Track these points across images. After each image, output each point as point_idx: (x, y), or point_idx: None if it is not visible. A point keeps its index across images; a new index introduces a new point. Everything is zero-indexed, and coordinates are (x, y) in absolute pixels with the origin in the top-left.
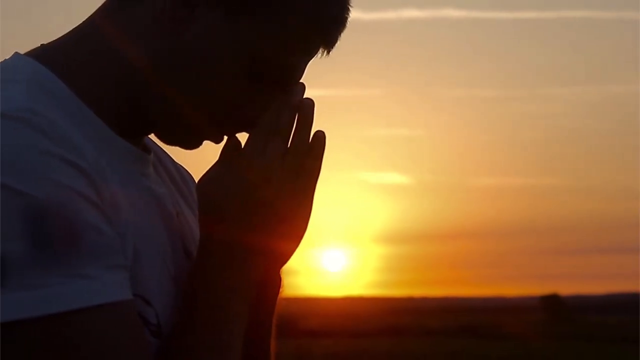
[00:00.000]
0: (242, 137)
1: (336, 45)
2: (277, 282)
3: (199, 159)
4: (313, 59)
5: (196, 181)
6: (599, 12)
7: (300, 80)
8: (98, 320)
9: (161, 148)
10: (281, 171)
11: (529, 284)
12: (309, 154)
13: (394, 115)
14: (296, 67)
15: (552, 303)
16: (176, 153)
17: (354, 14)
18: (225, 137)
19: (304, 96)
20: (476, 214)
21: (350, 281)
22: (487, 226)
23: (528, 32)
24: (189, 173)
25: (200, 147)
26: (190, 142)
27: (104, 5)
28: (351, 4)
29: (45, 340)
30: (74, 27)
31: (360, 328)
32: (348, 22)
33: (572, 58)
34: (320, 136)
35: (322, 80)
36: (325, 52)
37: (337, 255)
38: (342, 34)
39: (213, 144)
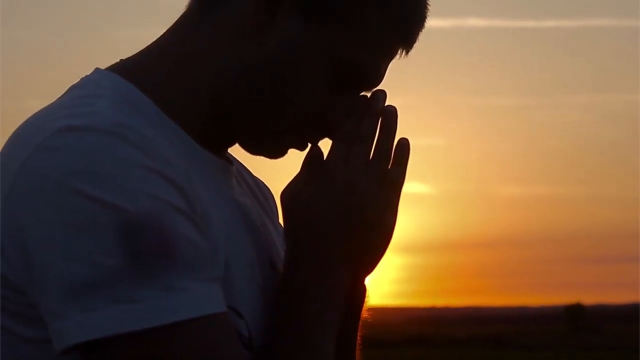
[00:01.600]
0: (325, 145)
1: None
2: (362, 291)
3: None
4: (393, 60)
5: (276, 193)
6: (620, 21)
7: (381, 88)
8: (195, 334)
9: (239, 162)
10: (365, 179)
11: (552, 294)
12: (393, 161)
13: (414, 124)
14: (377, 70)
15: (576, 312)
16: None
17: None
18: (309, 146)
19: (386, 103)
20: (498, 222)
21: (372, 291)
22: (509, 235)
23: (549, 41)
24: (267, 186)
25: (281, 158)
26: (275, 151)
27: (183, 16)
28: (429, 4)
29: (143, 355)
30: (152, 42)
31: (383, 338)
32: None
33: (593, 66)
34: (405, 144)
35: None
36: (404, 52)
37: None
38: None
39: (293, 155)
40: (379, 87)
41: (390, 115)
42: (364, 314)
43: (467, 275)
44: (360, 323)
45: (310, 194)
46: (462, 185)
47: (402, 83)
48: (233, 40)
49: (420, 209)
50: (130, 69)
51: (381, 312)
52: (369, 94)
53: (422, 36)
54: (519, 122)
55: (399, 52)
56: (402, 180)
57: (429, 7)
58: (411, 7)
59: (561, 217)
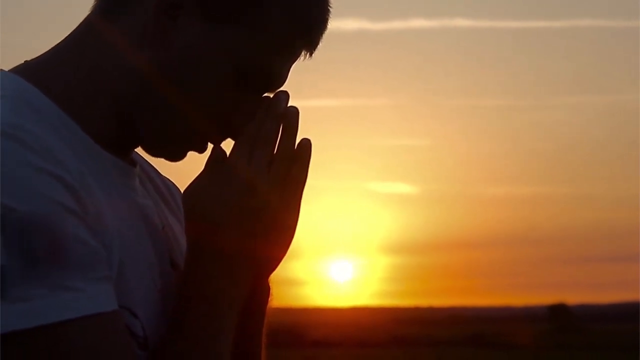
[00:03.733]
0: (227, 146)
1: (318, 47)
2: (265, 290)
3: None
4: (297, 62)
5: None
6: (605, 21)
7: (284, 88)
8: (84, 332)
9: (147, 161)
10: (267, 179)
11: (536, 294)
12: (295, 161)
13: (400, 125)
14: (280, 71)
15: (559, 312)
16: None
17: (361, 24)
18: (210, 147)
19: (289, 104)
20: (482, 223)
21: (357, 291)
22: (493, 235)
23: (534, 41)
24: (175, 185)
25: (185, 159)
26: (176, 153)
27: (86, 20)
28: (331, 5)
29: (31, 353)
30: (56, 43)
31: (367, 338)
32: (329, 24)
33: (578, 67)
34: (306, 144)
35: (329, 91)
36: (308, 54)
37: (344, 266)
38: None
39: (197, 155)
40: (281, 89)
41: (292, 116)
42: (268, 314)
43: (451, 275)
44: (264, 323)
45: (212, 194)
46: (447, 186)
47: (387, 83)
48: (135, 43)
49: (405, 209)
50: (33, 71)
51: (366, 312)
52: (272, 95)
53: (409, 36)
54: (504, 123)
55: (302, 53)
56: (304, 179)
57: (330, 9)
58: (313, 9)
59: (545, 218)
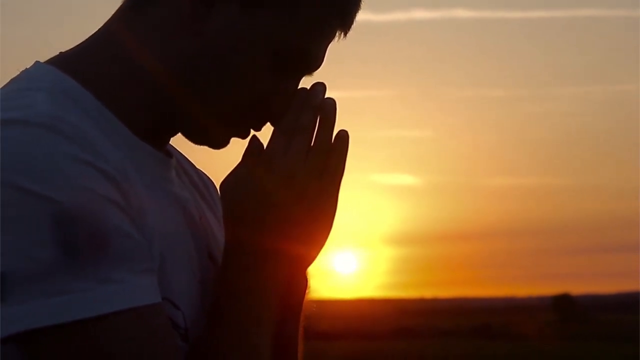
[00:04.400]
0: (264, 137)
1: (352, 27)
2: (303, 284)
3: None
4: (332, 42)
5: (217, 185)
6: (607, 11)
7: (321, 81)
8: (128, 325)
9: (181, 154)
10: (304, 171)
11: (540, 284)
12: (332, 153)
13: (403, 116)
14: (316, 52)
15: (564, 303)
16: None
17: (363, 16)
18: (251, 134)
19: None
20: (486, 214)
21: (361, 283)
22: (497, 226)
23: (536, 32)
24: (209, 178)
25: (219, 151)
26: (219, 141)
27: (120, 9)
28: None
29: (75, 346)
30: (92, 33)
31: (372, 330)
32: (362, 3)
33: (581, 57)
34: (344, 135)
35: (331, 83)
36: (343, 34)
37: (348, 257)
38: (358, 15)
39: (230, 150)
40: (318, 80)
41: (329, 108)
42: (306, 305)
43: (456, 266)
44: (301, 315)
45: (249, 185)
46: (451, 177)
47: (389, 75)
48: (172, 31)
49: (409, 200)
50: (69, 62)
51: (371, 304)
52: (310, 80)
53: (410, 28)
54: (507, 114)
55: (337, 34)
56: (341, 171)
57: None
58: None
59: (549, 208)
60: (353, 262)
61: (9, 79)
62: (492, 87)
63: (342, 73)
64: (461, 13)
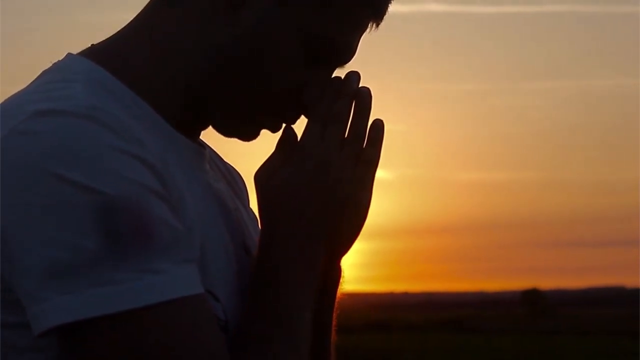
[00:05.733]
0: (299, 127)
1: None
2: (337, 271)
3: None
4: (365, 33)
5: (246, 179)
6: (577, 7)
7: (356, 70)
8: (174, 315)
9: (210, 147)
10: (339, 160)
11: (509, 279)
12: (368, 141)
13: (373, 110)
14: (349, 43)
15: (532, 297)
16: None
17: None
18: (281, 127)
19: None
20: (456, 208)
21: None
22: (467, 220)
23: (507, 27)
24: (237, 172)
25: (247, 144)
26: (249, 133)
27: (152, 1)
28: None
29: (121, 336)
30: (124, 26)
31: (342, 323)
32: None
33: (550, 52)
34: (379, 124)
35: None
36: (375, 25)
37: None
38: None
39: (260, 143)
40: (352, 69)
41: (365, 96)
42: (339, 296)
43: (426, 260)
44: (335, 304)
45: (285, 175)
46: (421, 171)
47: (361, 69)
48: (205, 22)
49: (379, 194)
50: (102, 54)
51: (340, 298)
52: (343, 70)
53: (382, 21)
54: (477, 108)
55: (369, 25)
56: (376, 160)
57: None
58: None
59: (518, 203)
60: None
61: (41, 71)
62: (462, 81)
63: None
64: (433, 7)
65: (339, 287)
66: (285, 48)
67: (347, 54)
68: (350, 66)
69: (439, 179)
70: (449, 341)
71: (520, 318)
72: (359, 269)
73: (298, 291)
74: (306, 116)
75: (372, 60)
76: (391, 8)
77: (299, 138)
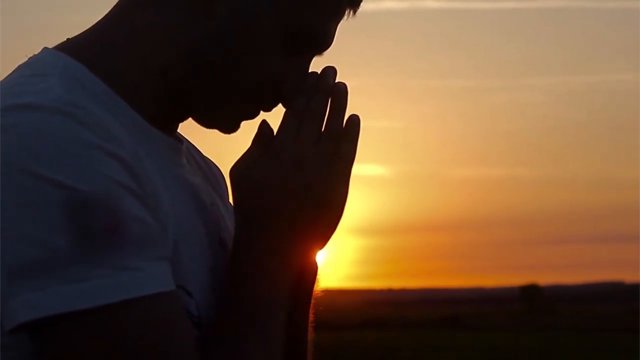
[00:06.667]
0: (275, 123)
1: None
2: (312, 271)
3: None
4: (342, 21)
5: (226, 173)
6: (578, 2)
7: (334, 66)
8: (145, 311)
9: (189, 141)
10: (316, 155)
11: (508, 275)
12: (344, 137)
13: (371, 107)
14: (327, 31)
15: (531, 293)
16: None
17: None
18: (259, 114)
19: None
20: (454, 205)
21: (328, 274)
22: (464, 217)
23: (506, 23)
24: (216, 166)
25: (226, 139)
26: (230, 124)
27: None
28: None
29: (92, 333)
30: (99, 19)
31: (340, 320)
32: None
33: (549, 48)
34: (355, 120)
35: None
36: (352, 12)
37: None
38: None
39: (238, 137)
40: (329, 65)
41: (341, 92)
42: (316, 291)
43: (424, 257)
44: (312, 301)
45: (260, 171)
46: (419, 168)
47: (359, 65)
48: (181, 15)
49: (377, 191)
50: (78, 48)
51: (337, 295)
52: (320, 62)
53: (380, 18)
54: (476, 104)
55: (346, 12)
56: (352, 156)
57: None
58: None
59: (517, 199)
60: (319, 253)
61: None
62: (460, 77)
63: (312, 64)
64: (430, 4)
65: (316, 283)
66: (262, 38)
67: (325, 42)
68: (349, 65)
69: (437, 176)
70: (447, 338)
71: (518, 314)
72: (356, 266)
73: (270, 290)
74: (284, 106)
75: (371, 57)
76: (388, 5)
77: (275, 133)
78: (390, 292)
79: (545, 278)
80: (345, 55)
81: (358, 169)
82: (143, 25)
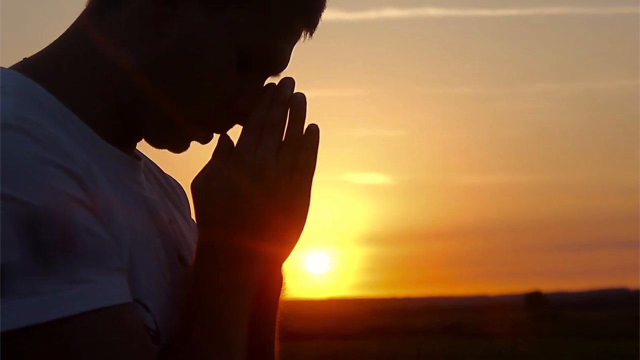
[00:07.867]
0: (234, 135)
1: (318, 27)
2: (277, 282)
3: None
4: (298, 42)
5: (190, 183)
6: (577, 9)
7: (290, 76)
8: (99, 325)
9: (149, 159)
10: (276, 167)
11: (511, 282)
12: (304, 148)
13: (375, 115)
14: (282, 52)
15: (535, 300)
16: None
17: (335, 15)
18: (214, 137)
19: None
20: (458, 212)
21: (334, 283)
22: (468, 224)
23: (507, 30)
24: (177, 183)
25: (187, 153)
26: (180, 144)
27: (84, 12)
28: None
29: (47, 347)
30: (55, 39)
31: (345, 329)
32: (327, 3)
33: (551, 55)
34: (314, 130)
35: (303, 82)
36: (308, 34)
37: (321, 258)
38: (326, 15)
39: (199, 151)
40: (287, 75)
41: (299, 102)
42: (281, 303)
43: (428, 265)
44: (277, 312)
45: (220, 182)
46: (423, 176)
47: (362, 74)
48: (134, 33)
49: (381, 200)
50: (34, 67)
51: (343, 304)
52: (277, 79)
53: (382, 26)
54: (478, 112)
55: (302, 34)
56: (312, 165)
57: None
58: None
59: (520, 206)
60: (325, 262)
61: None
62: (463, 85)
63: (314, 72)
64: (431, 12)
65: (281, 295)
66: (216, 58)
67: (280, 62)
68: (350, 75)
69: (441, 183)
70: (452, 345)
71: (523, 321)
72: (361, 275)
73: (233, 301)
74: (241, 124)
75: (373, 65)
76: (390, 13)
77: (234, 145)
78: (394, 300)
79: (549, 285)
80: (347, 64)
81: (362, 178)
82: (98, 44)
